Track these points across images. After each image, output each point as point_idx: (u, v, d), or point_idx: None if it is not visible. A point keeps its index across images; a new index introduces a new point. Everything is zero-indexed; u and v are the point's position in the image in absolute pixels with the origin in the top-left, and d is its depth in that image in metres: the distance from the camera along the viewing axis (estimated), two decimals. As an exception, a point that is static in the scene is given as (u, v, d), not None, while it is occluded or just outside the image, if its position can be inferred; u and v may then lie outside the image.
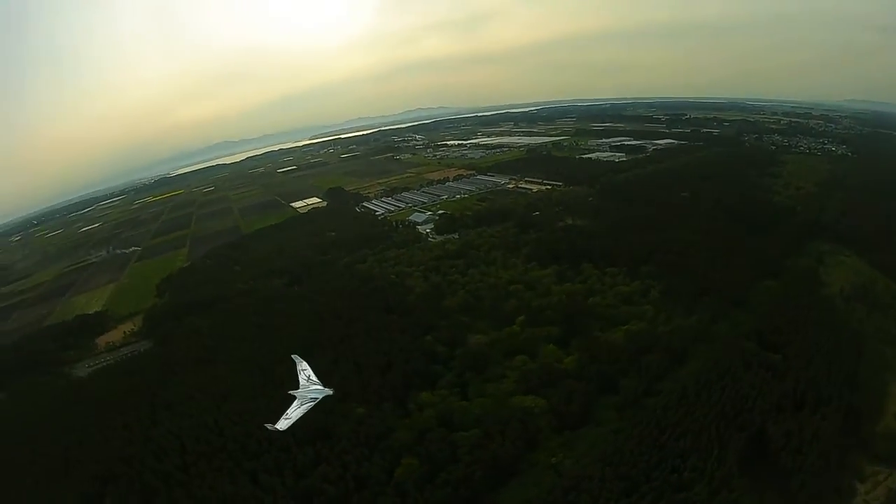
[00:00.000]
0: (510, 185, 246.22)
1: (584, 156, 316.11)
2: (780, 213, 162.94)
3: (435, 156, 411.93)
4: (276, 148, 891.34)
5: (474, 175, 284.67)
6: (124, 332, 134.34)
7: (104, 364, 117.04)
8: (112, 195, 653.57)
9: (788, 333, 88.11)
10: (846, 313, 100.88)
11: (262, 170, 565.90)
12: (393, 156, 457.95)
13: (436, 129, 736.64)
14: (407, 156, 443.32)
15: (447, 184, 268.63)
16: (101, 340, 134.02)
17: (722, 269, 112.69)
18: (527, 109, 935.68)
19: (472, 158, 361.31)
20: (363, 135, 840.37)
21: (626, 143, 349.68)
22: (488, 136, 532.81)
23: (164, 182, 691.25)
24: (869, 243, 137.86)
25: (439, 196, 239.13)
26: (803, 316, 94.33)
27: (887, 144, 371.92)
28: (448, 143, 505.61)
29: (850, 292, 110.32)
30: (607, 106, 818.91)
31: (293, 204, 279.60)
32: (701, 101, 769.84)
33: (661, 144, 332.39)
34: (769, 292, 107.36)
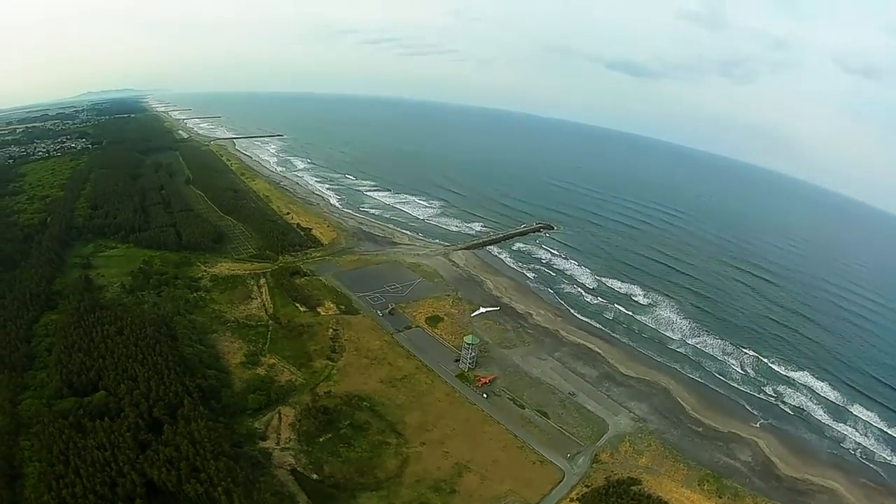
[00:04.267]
0: None
1: None
2: (31, 233, 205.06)
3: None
4: None
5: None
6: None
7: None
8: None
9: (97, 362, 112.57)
10: (138, 306, 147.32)
11: None
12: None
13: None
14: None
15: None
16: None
17: None
18: None
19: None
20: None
21: None
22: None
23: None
24: (128, 226, 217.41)
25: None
26: (100, 334, 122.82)
27: (123, 126, 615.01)
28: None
29: (133, 283, 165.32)
30: None
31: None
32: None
33: None
34: (54, 329, 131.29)
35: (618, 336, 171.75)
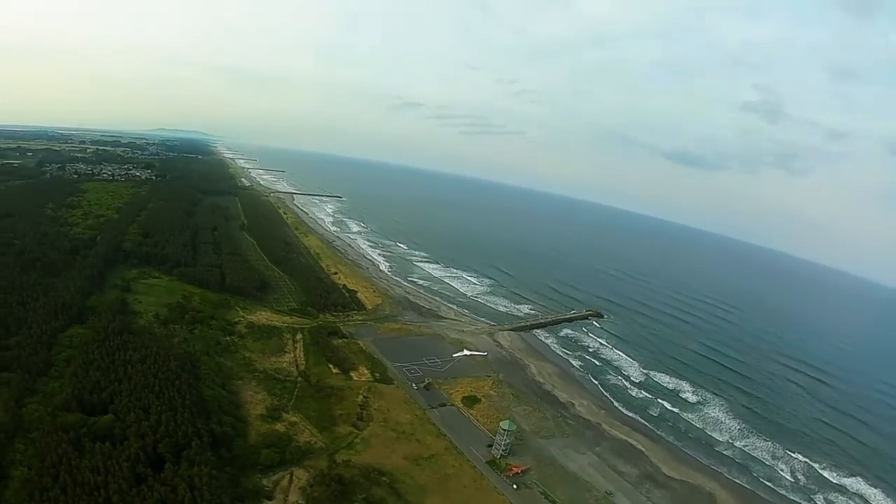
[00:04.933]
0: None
1: None
2: (79, 246, 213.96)
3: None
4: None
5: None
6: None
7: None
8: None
9: (112, 385, 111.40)
10: (167, 338, 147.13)
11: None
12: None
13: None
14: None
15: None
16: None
17: (18, 331, 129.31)
18: None
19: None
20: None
21: None
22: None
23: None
24: (174, 259, 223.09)
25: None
26: (121, 358, 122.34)
27: (189, 165, 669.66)
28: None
29: (168, 315, 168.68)
30: None
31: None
32: (4, 129, 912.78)
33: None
34: (79, 342, 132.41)
35: (662, 434, 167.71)
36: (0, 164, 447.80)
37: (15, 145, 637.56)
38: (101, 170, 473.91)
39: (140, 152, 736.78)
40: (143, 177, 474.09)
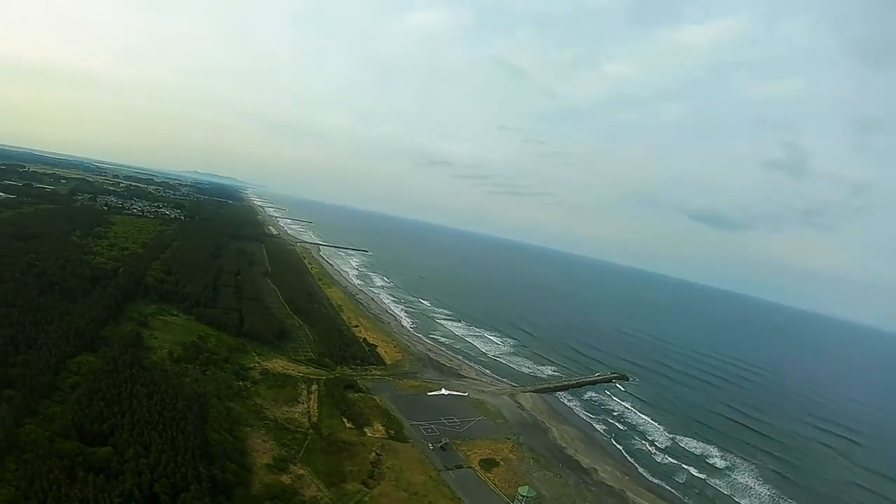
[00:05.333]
0: None
1: None
2: (100, 275, 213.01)
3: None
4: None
5: None
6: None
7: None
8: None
9: (115, 417, 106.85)
10: (178, 377, 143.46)
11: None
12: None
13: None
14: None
15: None
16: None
17: (27, 351, 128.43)
18: None
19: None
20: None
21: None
22: None
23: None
24: (194, 299, 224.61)
25: None
26: (128, 391, 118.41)
27: (218, 208, 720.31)
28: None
29: (181, 353, 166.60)
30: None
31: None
32: (44, 156, 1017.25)
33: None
34: (87, 370, 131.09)
35: (689, 502, 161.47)
36: (33, 188, 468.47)
37: (51, 172, 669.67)
38: (132, 204, 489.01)
39: (171, 192, 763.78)
40: (172, 216, 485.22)
